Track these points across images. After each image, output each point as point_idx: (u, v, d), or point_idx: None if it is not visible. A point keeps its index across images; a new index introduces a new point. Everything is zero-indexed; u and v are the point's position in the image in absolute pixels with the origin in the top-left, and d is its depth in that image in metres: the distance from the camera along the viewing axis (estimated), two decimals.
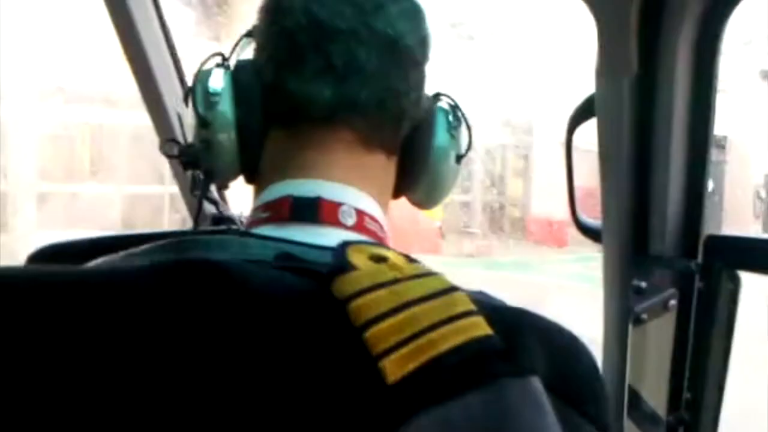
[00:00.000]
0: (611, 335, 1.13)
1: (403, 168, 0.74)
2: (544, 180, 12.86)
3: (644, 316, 1.02)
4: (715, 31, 0.96)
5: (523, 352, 0.52)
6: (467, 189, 14.34)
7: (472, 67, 13.00)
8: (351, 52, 0.66)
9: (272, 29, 0.70)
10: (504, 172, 15.37)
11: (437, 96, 0.78)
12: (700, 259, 1.02)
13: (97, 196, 10.45)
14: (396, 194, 0.77)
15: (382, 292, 0.51)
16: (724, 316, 1.01)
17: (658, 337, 1.07)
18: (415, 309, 0.50)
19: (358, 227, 0.66)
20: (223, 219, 1.36)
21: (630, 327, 1.03)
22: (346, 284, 0.51)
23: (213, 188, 1.40)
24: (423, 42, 0.72)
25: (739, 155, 17.39)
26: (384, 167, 0.72)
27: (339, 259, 0.53)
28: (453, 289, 0.54)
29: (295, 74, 0.66)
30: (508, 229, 14.14)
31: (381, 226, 0.69)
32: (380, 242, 0.67)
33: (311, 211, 0.64)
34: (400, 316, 0.49)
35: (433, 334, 0.49)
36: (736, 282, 0.99)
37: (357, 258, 0.54)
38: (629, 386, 1.11)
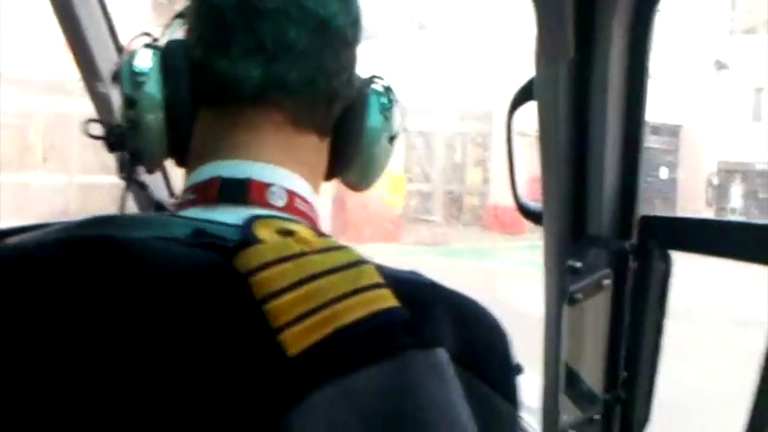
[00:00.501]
0: (550, 315, 1.15)
1: (335, 149, 0.74)
2: (502, 168, 12.98)
3: (579, 295, 1.03)
4: (648, 14, 0.97)
5: (429, 324, 0.52)
6: (427, 178, 14.41)
7: (430, 56, 13.03)
8: (280, 31, 0.65)
9: (202, 8, 0.69)
10: (464, 161, 15.47)
11: (370, 78, 0.78)
12: (634, 239, 1.04)
13: (50, 186, 10.24)
14: (329, 176, 0.76)
15: (286, 266, 0.51)
16: (657, 295, 1.03)
17: (594, 316, 1.09)
18: (321, 282, 0.50)
19: (289, 208, 0.65)
20: (164, 206, 1.34)
21: (565, 307, 1.05)
22: (249, 258, 0.51)
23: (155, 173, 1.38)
24: (354, 22, 0.72)
25: (693, 144, 17.77)
26: (316, 148, 0.71)
27: (245, 233, 0.53)
28: (361, 262, 0.54)
29: (224, 54, 0.65)
30: (466, 218, 14.25)
31: (312, 207, 0.69)
32: (311, 223, 0.67)
33: (240, 192, 0.64)
34: (304, 288, 0.50)
35: (338, 306, 0.49)
36: (667, 262, 1.01)
37: (264, 232, 0.54)
38: (566, 365, 1.13)
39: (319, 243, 0.55)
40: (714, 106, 17.11)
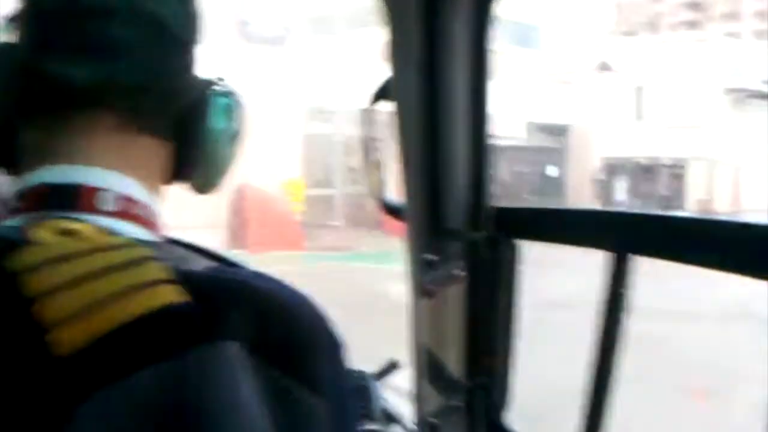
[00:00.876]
0: (413, 308, 1.18)
1: (178, 152, 0.73)
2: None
3: (433, 287, 1.07)
4: (486, 13, 1.02)
5: (220, 318, 0.52)
6: (327, 182, 14.39)
7: (331, 59, 13.05)
8: (111, 32, 0.64)
9: (29, 11, 0.67)
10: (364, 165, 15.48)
11: (212, 79, 0.78)
12: (486, 231, 1.08)
13: None
14: (173, 178, 0.76)
15: (61, 265, 0.50)
16: (508, 283, 1.08)
17: (452, 307, 1.13)
18: (99, 280, 0.50)
19: (121, 213, 0.64)
20: None
21: (423, 299, 1.09)
22: (20, 258, 0.50)
23: None
24: (192, 23, 0.71)
25: (581, 142, 18.55)
26: (153, 150, 0.70)
27: (18, 234, 0.53)
28: (146, 259, 0.54)
29: (52, 56, 0.63)
30: (368, 221, 14.32)
31: (149, 210, 0.68)
32: (148, 226, 0.66)
33: (67, 198, 0.62)
34: (79, 287, 0.49)
35: (115, 305, 0.49)
36: (515, 251, 1.06)
37: (42, 233, 0.53)
38: (430, 355, 1.16)
39: (104, 241, 0.54)
40: (600, 106, 17.91)
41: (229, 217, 12.43)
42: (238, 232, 12.27)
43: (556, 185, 17.92)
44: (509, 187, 16.51)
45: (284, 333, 0.56)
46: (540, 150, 18.25)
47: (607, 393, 0.89)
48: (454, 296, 1.12)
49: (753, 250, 0.69)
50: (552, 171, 18.12)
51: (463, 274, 1.08)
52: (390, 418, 1.42)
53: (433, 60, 1.06)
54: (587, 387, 0.91)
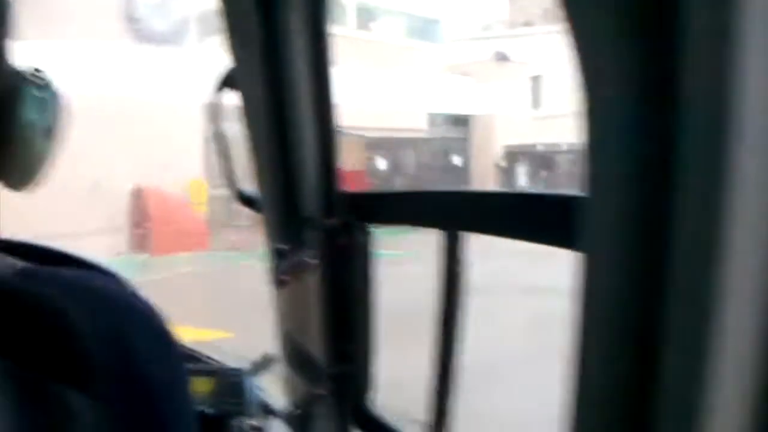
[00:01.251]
0: (275, 297, 1.17)
1: None
2: None
3: (285, 277, 1.06)
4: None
5: None
6: None
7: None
8: None
9: None
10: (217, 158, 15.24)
11: (25, 71, 0.74)
12: (339, 217, 1.08)
13: None
14: None
15: None
16: (363, 268, 1.08)
17: (311, 294, 1.12)
18: None
19: None
20: None
21: (277, 288, 1.07)
22: None
23: None
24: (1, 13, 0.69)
25: (484, 132, 18.96)
26: None
27: None
28: None
29: None
30: None
31: None
32: None
33: None
34: None
35: None
36: (367, 235, 1.06)
37: None
38: (294, 344, 1.15)
39: None
40: (500, 96, 18.34)
41: (131, 220, 12.07)
42: (140, 235, 11.92)
43: (461, 174, 18.26)
44: (417, 179, 16.68)
45: (43, 333, 0.53)
46: (444, 141, 18.52)
47: (452, 371, 0.91)
48: (313, 284, 1.12)
49: (565, 222, 0.71)
50: (457, 161, 18.50)
51: (315, 261, 1.07)
52: (267, 411, 1.40)
53: (273, 47, 1.04)
54: (433, 365, 0.92)
